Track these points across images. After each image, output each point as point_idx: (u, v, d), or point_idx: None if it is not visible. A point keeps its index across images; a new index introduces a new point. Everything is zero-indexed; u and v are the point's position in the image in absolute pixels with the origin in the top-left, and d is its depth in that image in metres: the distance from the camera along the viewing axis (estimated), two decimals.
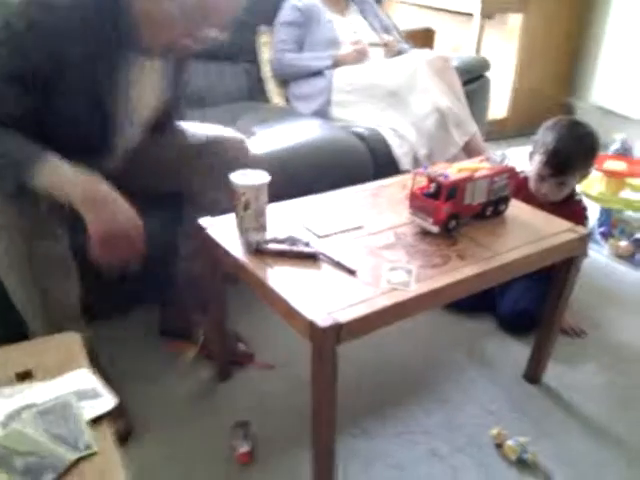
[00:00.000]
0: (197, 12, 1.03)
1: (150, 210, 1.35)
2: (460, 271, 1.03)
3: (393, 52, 2.12)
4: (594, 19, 3.01)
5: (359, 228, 1.17)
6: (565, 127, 1.48)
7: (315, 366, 0.92)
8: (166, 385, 1.34)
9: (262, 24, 2.12)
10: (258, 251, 1.06)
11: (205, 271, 1.25)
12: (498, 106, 2.98)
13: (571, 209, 1.50)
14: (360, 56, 2.02)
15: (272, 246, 1.06)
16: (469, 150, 1.92)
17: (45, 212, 1.04)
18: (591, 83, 3.09)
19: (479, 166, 1.20)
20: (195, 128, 1.34)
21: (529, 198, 1.39)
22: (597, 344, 1.52)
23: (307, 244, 1.07)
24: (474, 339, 1.53)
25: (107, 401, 0.72)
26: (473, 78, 2.15)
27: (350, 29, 2.10)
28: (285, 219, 1.19)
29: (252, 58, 2.13)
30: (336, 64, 1.99)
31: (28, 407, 0.69)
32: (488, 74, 2.24)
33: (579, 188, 1.78)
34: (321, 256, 1.05)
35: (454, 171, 1.15)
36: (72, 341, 0.85)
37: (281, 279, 0.99)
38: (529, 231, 1.18)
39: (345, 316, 0.89)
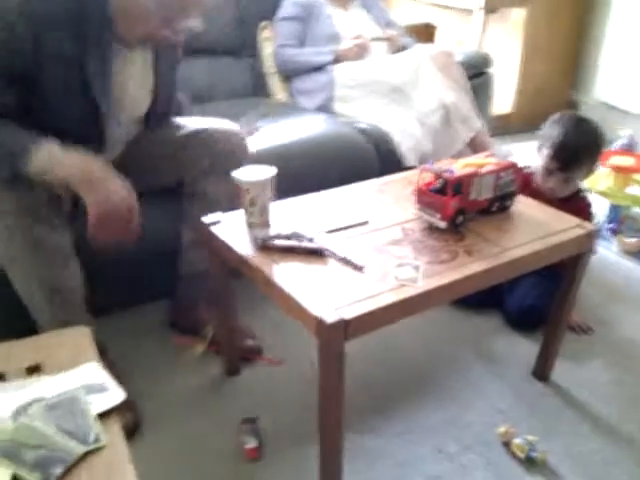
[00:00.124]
0: (175, 4, 1.04)
1: (159, 204, 1.36)
2: (468, 267, 1.02)
3: (397, 46, 2.10)
4: (598, 12, 2.98)
5: (365, 224, 1.16)
6: (571, 121, 1.48)
7: (322, 362, 0.92)
8: (175, 380, 1.34)
9: (264, 19, 2.11)
10: (264, 247, 1.06)
11: (211, 267, 1.25)
12: (502, 101, 2.96)
13: (576, 205, 1.49)
14: (361, 51, 2.00)
15: (279, 242, 1.06)
16: (475, 146, 1.91)
17: (45, 200, 1.05)
18: (595, 78, 3.07)
19: (485, 162, 1.19)
20: (192, 122, 1.34)
21: (534, 194, 1.38)
22: (604, 341, 1.51)
23: (311, 240, 1.07)
24: (482, 336, 1.52)
25: (115, 395, 0.72)
26: (476, 74, 2.14)
27: (353, 23, 2.08)
28: (291, 215, 1.19)
29: (255, 53, 2.12)
30: (337, 59, 1.98)
31: (37, 401, 0.70)
32: (491, 69, 2.22)
33: (586, 184, 1.77)
34: (328, 252, 1.05)
35: (460, 167, 1.15)
36: (82, 335, 0.85)
37: (287, 275, 0.99)
38: (537, 227, 1.17)
39: (352, 312, 0.89)
